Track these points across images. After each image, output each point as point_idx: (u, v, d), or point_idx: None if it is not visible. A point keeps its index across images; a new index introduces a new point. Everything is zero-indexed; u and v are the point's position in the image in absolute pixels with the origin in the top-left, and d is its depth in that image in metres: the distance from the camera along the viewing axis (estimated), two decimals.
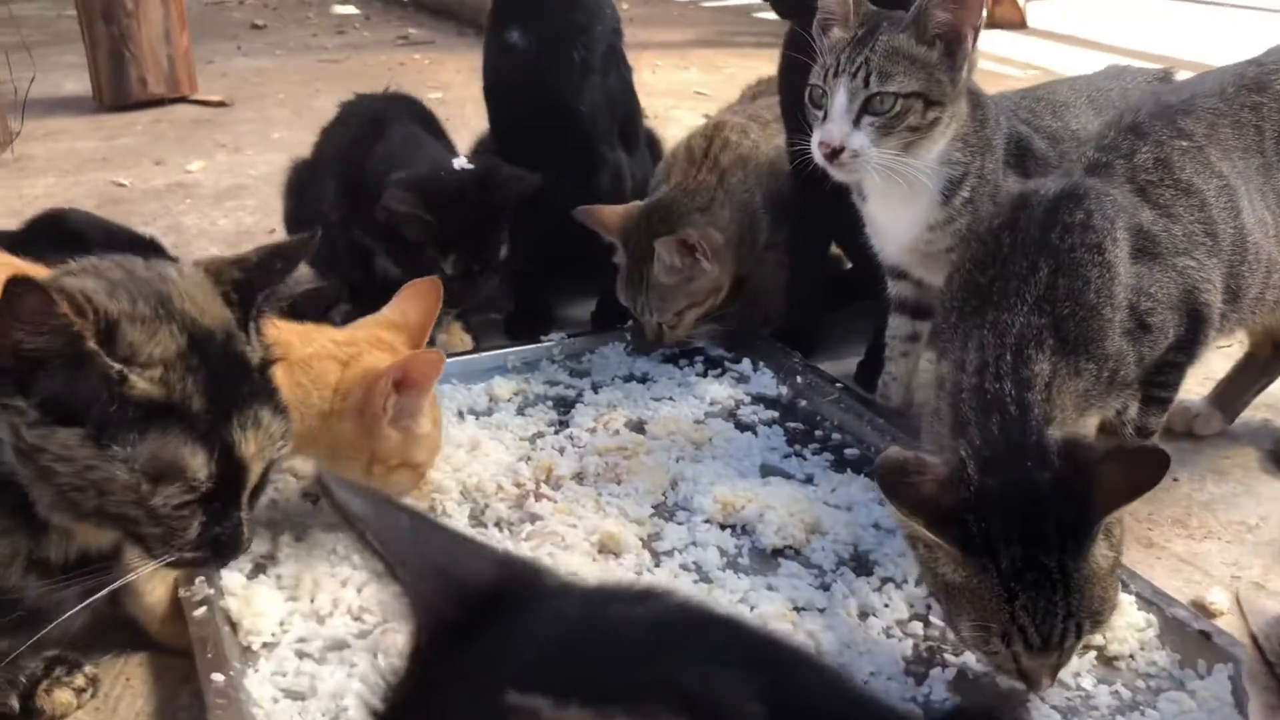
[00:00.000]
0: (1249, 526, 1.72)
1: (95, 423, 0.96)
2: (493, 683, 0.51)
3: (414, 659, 0.56)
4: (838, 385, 2.03)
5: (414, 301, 1.69)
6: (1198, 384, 1.99)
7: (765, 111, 2.40)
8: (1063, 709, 1.32)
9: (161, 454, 0.99)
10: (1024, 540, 1.16)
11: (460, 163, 2.10)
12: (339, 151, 2.27)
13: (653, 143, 2.65)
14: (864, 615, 1.48)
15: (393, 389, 1.49)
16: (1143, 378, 1.50)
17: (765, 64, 5.21)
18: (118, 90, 4.30)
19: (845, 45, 1.58)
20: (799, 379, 2.09)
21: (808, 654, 0.54)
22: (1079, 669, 1.37)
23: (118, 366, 0.96)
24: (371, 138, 2.19)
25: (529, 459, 1.84)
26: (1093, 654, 1.40)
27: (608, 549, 1.60)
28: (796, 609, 1.48)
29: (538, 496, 1.72)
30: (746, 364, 2.18)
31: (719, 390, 2.09)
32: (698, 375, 2.17)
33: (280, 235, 2.74)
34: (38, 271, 1.32)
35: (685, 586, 1.52)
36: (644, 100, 2.66)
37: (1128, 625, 1.42)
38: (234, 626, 1.43)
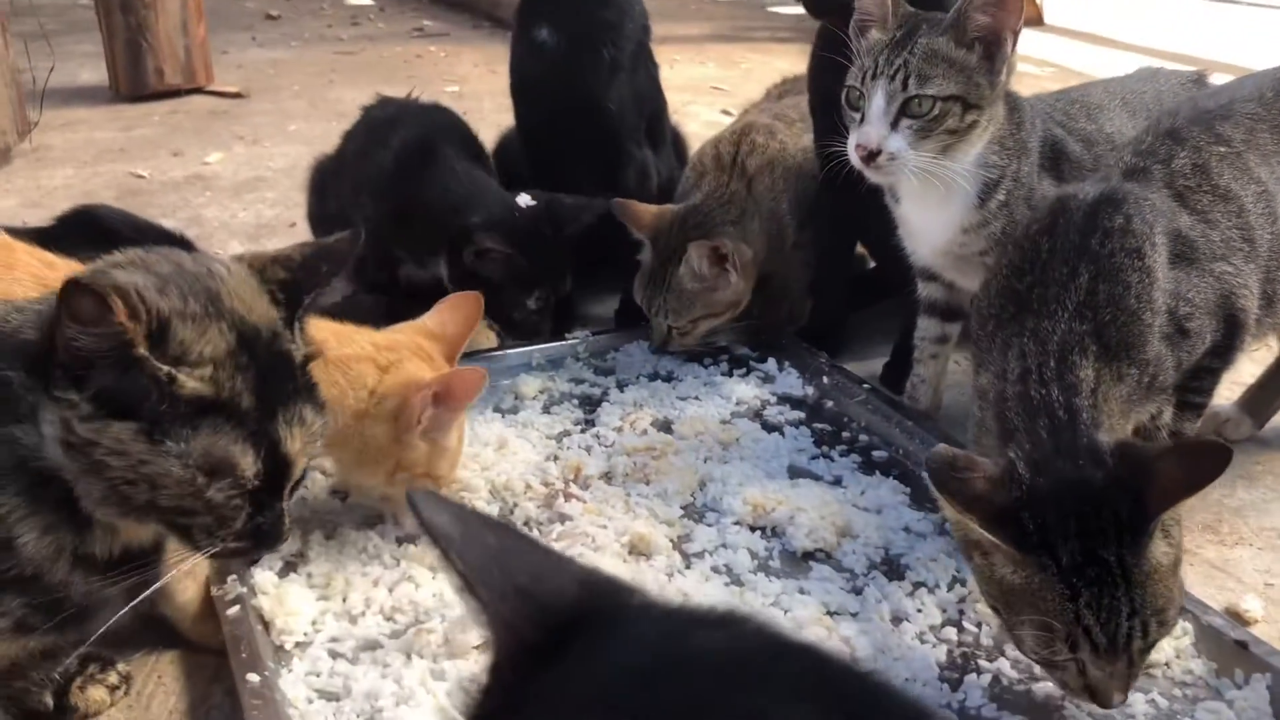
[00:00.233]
0: None
1: (148, 418, 0.97)
2: (571, 708, 0.51)
3: (495, 676, 0.56)
4: (865, 386, 2.02)
5: (454, 314, 1.68)
6: (1226, 389, 1.97)
7: (791, 110, 2.39)
8: (1099, 717, 1.32)
9: (213, 450, 1.00)
10: (1082, 536, 1.15)
11: (524, 200, 2.09)
12: (381, 173, 2.18)
13: (678, 140, 2.64)
14: (897, 620, 1.47)
15: (431, 402, 1.49)
16: (1178, 383, 1.49)
17: (781, 59, 5.23)
18: (134, 80, 4.29)
19: (883, 47, 1.57)
20: (825, 379, 2.09)
21: (888, 684, 0.53)
22: None
23: (166, 369, 0.97)
24: (418, 163, 2.13)
25: (556, 458, 1.84)
26: None
27: (638, 550, 1.59)
28: (829, 613, 1.47)
29: (567, 496, 1.71)
30: (772, 363, 2.18)
31: (745, 390, 2.08)
32: (723, 375, 2.16)
33: (301, 229, 2.74)
34: (72, 267, 1.32)
35: (716, 590, 1.51)
36: None
37: None
38: (266, 625, 1.43)
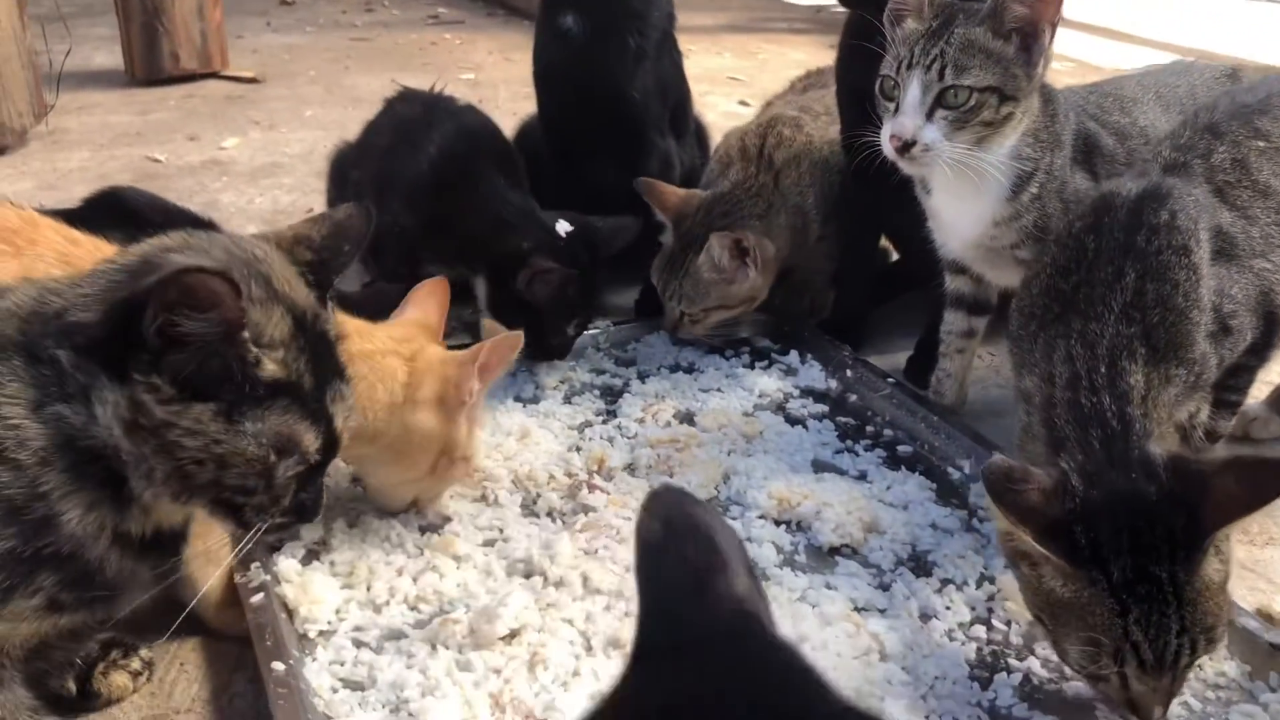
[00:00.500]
0: None
1: (227, 399, 0.99)
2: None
3: (626, 675, 0.58)
4: (889, 380, 2.01)
5: (430, 300, 1.68)
6: (1254, 387, 1.96)
7: (816, 104, 2.37)
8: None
9: (282, 430, 1.03)
10: (1134, 551, 1.13)
11: (564, 226, 2.05)
12: (417, 181, 2.09)
13: (700, 131, 2.61)
14: (925, 617, 1.46)
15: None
16: (1215, 381, 1.47)
17: (798, 50, 5.20)
18: (150, 64, 4.28)
19: (919, 37, 1.54)
20: (849, 372, 2.07)
21: None
22: None
23: (255, 352, 1.00)
24: (460, 181, 2.06)
25: (579, 448, 1.82)
26: None
27: None
28: (857, 609, 1.46)
29: (590, 487, 1.70)
30: (794, 356, 2.16)
31: (767, 382, 2.07)
32: (744, 367, 2.15)
33: None
34: (97, 245, 1.31)
35: None
36: None
37: None
38: (290, 614, 1.42)
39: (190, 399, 0.97)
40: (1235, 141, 1.53)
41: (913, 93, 1.54)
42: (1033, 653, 1.40)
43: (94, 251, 1.30)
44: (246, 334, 0.98)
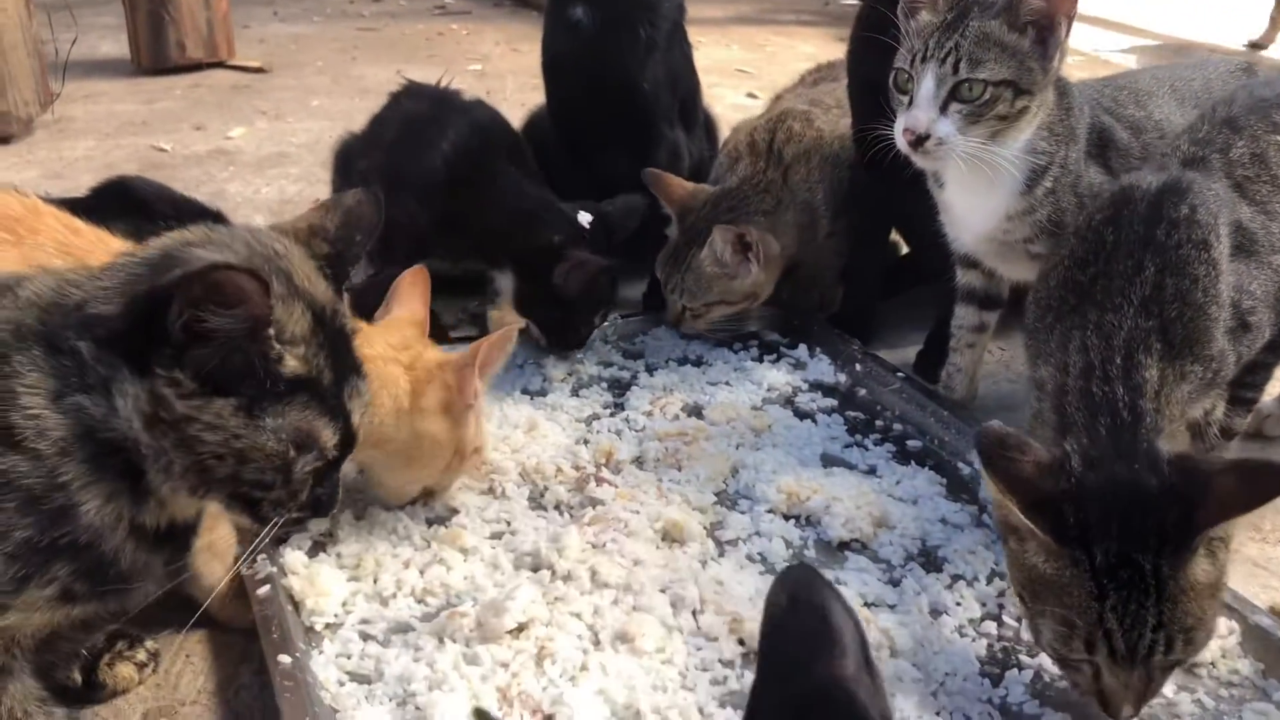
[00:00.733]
0: None
1: (248, 395, 0.99)
2: None
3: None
4: (899, 374, 2.00)
5: (413, 293, 1.66)
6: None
7: (827, 97, 2.36)
8: (1144, 716, 1.29)
9: (302, 425, 1.03)
10: (1121, 538, 1.12)
11: (585, 217, 2.04)
12: (430, 178, 2.05)
13: (709, 123, 2.60)
14: (936, 613, 1.45)
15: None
16: (1233, 378, 1.46)
17: (806, 43, 5.18)
18: (156, 54, 4.27)
19: (934, 29, 1.53)
20: (858, 367, 2.06)
21: None
22: None
23: (279, 348, 0.99)
24: (475, 177, 2.04)
25: (587, 441, 1.81)
26: None
27: (671, 536, 1.57)
28: (867, 604, 1.45)
29: (598, 480, 1.69)
30: (803, 350, 2.15)
31: (776, 376, 2.05)
32: (753, 360, 2.14)
33: None
34: (100, 235, 1.30)
35: (751, 578, 1.49)
36: None
37: None
38: (297, 606, 1.41)
39: (211, 394, 0.97)
40: (1254, 136, 1.52)
41: (927, 86, 1.52)
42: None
43: (95, 242, 1.29)
44: (271, 331, 0.98)
